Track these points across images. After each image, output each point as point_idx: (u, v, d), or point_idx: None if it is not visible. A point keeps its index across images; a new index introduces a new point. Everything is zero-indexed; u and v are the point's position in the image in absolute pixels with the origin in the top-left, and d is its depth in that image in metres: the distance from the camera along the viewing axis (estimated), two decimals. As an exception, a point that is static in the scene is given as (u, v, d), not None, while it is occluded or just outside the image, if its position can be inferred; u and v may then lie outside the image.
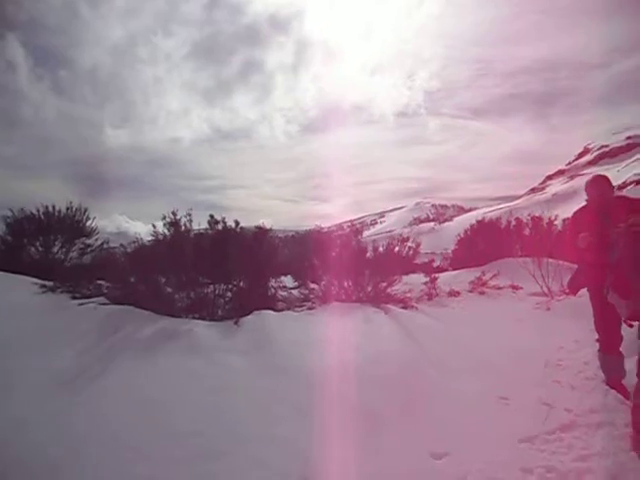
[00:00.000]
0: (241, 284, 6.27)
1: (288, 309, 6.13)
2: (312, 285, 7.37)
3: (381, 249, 7.53)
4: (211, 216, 6.46)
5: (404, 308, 6.53)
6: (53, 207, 12.25)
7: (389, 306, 6.27)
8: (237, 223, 6.48)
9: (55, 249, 12.31)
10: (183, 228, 6.34)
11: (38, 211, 12.16)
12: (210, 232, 6.51)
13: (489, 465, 2.84)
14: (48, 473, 2.58)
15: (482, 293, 8.64)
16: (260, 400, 3.56)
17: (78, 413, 3.24)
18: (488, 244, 11.96)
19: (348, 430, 3.21)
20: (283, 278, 7.36)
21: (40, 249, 12.22)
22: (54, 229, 12.17)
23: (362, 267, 6.99)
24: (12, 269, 10.33)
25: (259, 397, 3.60)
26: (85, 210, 12.71)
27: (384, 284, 7.01)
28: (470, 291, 8.74)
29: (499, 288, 8.89)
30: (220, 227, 6.44)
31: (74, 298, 6.96)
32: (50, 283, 8.43)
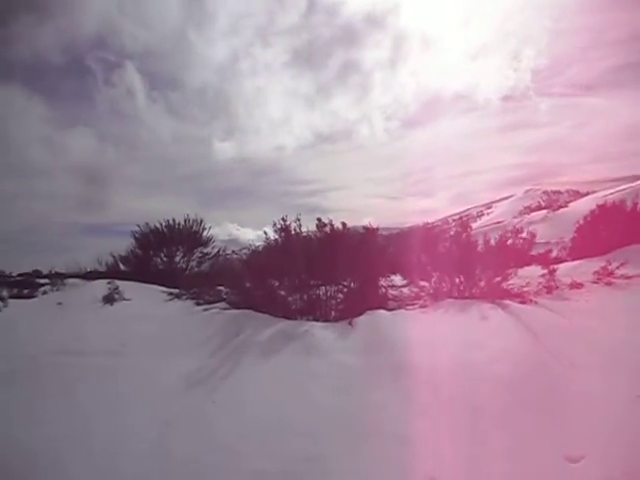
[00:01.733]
0: (352, 285, 6.35)
1: (400, 308, 6.08)
2: (422, 282, 7.26)
3: (492, 242, 7.23)
4: (318, 219, 6.59)
5: (522, 303, 6.18)
6: (173, 220, 13.38)
7: (506, 301, 5.99)
8: (344, 225, 6.57)
9: (177, 259, 13.44)
10: (293, 233, 6.56)
11: (161, 225, 13.35)
12: (318, 235, 6.66)
13: (636, 470, 2.61)
14: (187, 467, 2.80)
15: (609, 284, 7.92)
16: (378, 399, 3.58)
17: (214, 412, 3.49)
18: (612, 230, 10.96)
19: (472, 430, 3.11)
20: (392, 277, 7.32)
21: (164, 259, 13.40)
22: (175, 240, 13.27)
23: (473, 262, 6.76)
24: (142, 279, 11.44)
25: (377, 396, 3.62)
26: (201, 221, 13.72)
27: (498, 278, 6.72)
28: (594, 282, 8.06)
29: (628, 277, 8.12)
30: (328, 229, 6.54)
31: (198, 304, 7.51)
32: (176, 290, 9.21)
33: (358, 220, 7.30)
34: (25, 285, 11.23)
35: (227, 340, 5.21)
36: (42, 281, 12.29)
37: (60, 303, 8.58)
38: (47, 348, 5.21)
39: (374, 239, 6.85)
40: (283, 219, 6.58)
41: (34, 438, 3.16)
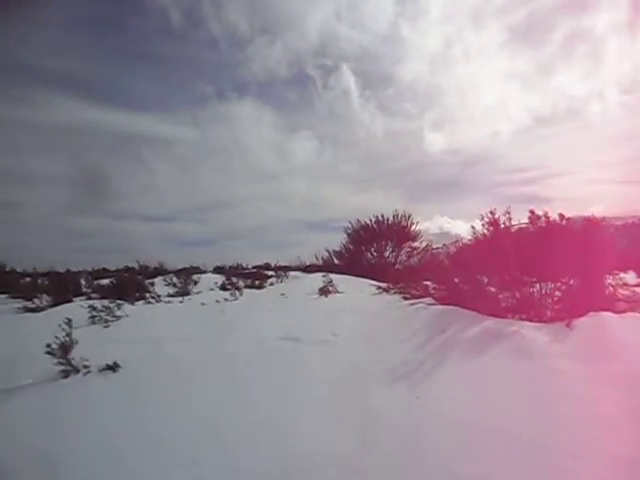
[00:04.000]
0: (571, 282, 5.72)
1: (632, 310, 5.28)
2: (663, 281, 6.19)
3: None
4: (531, 211, 6.09)
5: None
6: (382, 216, 13.94)
7: None
8: (562, 216, 5.95)
9: (387, 253, 13.97)
10: (502, 226, 6.19)
11: (371, 221, 14.02)
12: (532, 228, 6.16)
13: None
14: (384, 460, 2.86)
15: None
16: (594, 412, 3.15)
17: (417, 407, 3.51)
18: None
19: None
20: (622, 274, 6.37)
21: (375, 254, 14.05)
22: (385, 236, 13.82)
23: None
24: (354, 272, 12.16)
25: (597, 410, 3.18)
26: (409, 216, 14.01)
27: None
28: None
29: None
30: (542, 222, 6.01)
31: (405, 298, 7.63)
32: (384, 284, 9.54)
33: (583, 209, 6.48)
34: (257, 277, 12.84)
35: (432, 336, 5.19)
36: (270, 273, 13.96)
37: (283, 294, 9.60)
38: (272, 334, 5.86)
39: (599, 230, 6.04)
40: (491, 212, 6.24)
41: (248, 411, 3.60)
